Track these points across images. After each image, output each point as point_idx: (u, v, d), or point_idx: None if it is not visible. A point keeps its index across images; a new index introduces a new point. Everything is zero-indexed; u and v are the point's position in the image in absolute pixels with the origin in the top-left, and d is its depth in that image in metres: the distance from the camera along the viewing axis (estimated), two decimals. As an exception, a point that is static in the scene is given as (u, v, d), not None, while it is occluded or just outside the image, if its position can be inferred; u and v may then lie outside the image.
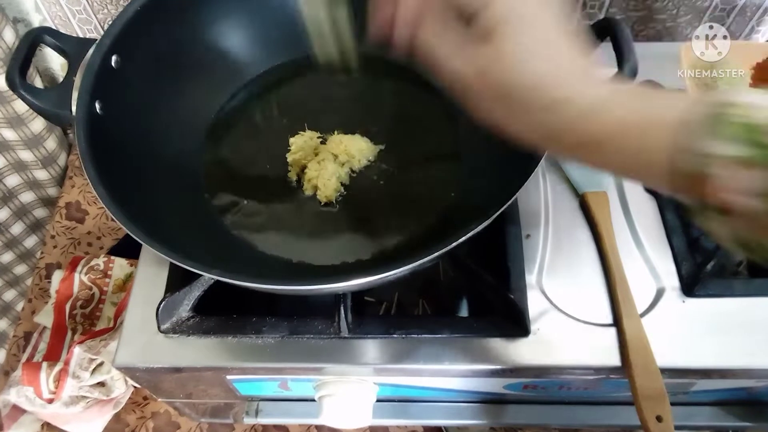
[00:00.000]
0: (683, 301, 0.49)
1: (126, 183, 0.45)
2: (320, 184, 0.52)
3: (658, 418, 0.44)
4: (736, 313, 0.48)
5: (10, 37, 0.66)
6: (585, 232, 0.53)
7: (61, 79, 0.47)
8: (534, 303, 0.49)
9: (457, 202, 0.52)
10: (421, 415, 0.58)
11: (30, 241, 0.87)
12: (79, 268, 0.71)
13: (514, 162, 0.43)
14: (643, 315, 0.48)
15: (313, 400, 0.51)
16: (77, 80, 0.46)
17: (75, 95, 0.45)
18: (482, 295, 0.52)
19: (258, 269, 0.50)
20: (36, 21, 0.72)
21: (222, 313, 0.50)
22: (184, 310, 0.49)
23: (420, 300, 0.55)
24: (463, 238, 0.38)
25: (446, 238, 0.38)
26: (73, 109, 0.45)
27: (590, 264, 0.51)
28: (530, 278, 0.50)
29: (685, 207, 0.28)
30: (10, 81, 0.46)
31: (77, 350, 0.60)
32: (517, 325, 0.47)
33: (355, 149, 0.54)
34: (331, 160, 0.53)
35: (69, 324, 0.68)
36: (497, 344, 0.47)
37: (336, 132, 0.56)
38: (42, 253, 0.80)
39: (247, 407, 0.59)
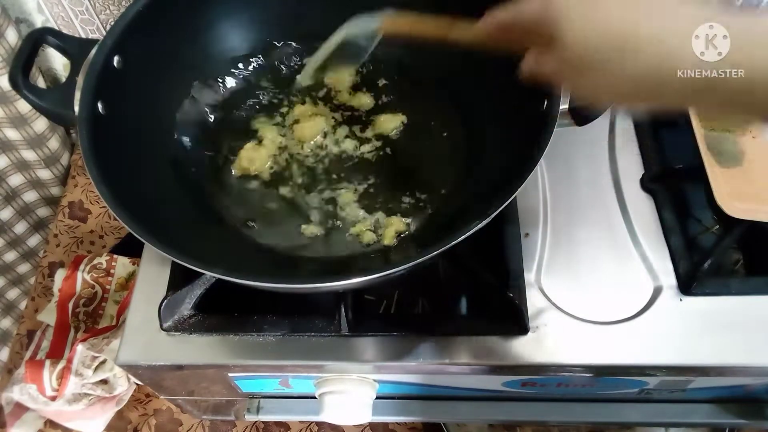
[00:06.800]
0: (680, 300, 0.49)
1: (128, 182, 0.45)
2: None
3: None
4: (732, 311, 0.48)
5: (12, 37, 0.66)
6: (584, 231, 0.53)
7: (63, 79, 0.47)
8: (533, 301, 0.49)
9: (457, 201, 0.52)
10: (421, 413, 0.58)
11: (33, 240, 0.88)
12: (81, 267, 0.71)
13: (513, 161, 0.43)
14: (640, 313, 0.48)
15: (314, 398, 0.51)
16: (80, 80, 0.46)
17: (77, 95, 0.46)
18: (481, 294, 0.53)
19: (259, 267, 0.50)
20: (38, 21, 0.72)
21: (224, 311, 0.50)
22: (186, 308, 0.50)
23: (420, 298, 0.55)
24: (462, 237, 0.38)
25: (445, 236, 0.38)
26: (76, 108, 0.45)
27: (589, 262, 0.52)
28: (529, 277, 0.50)
29: None
30: (12, 81, 0.47)
31: (80, 348, 0.60)
32: (515, 323, 0.48)
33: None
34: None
35: (72, 322, 0.69)
36: (496, 342, 0.47)
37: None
38: (45, 251, 0.80)
39: (248, 404, 0.59)
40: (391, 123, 0.57)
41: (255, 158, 0.55)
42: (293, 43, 0.61)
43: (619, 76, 0.31)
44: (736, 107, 0.30)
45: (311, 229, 0.52)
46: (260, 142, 0.57)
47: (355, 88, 0.60)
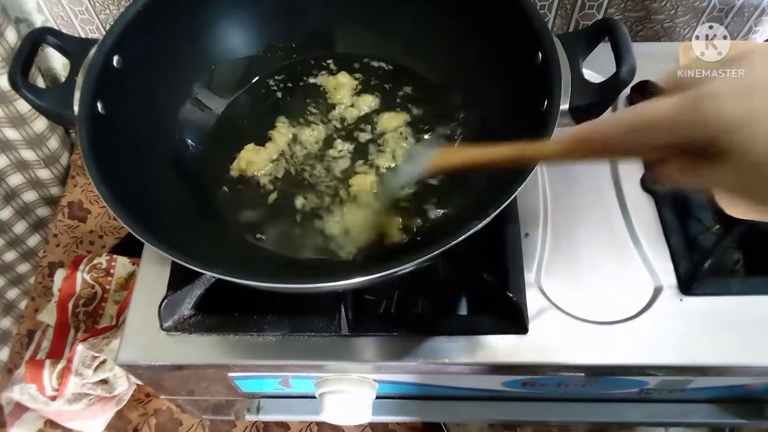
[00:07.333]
0: (681, 300, 0.49)
1: (128, 182, 0.45)
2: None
3: None
4: (733, 311, 0.48)
5: (12, 37, 0.66)
6: (584, 231, 0.53)
7: (63, 79, 0.47)
8: (533, 301, 0.49)
9: (457, 201, 0.52)
10: (421, 412, 0.58)
11: (33, 240, 0.88)
12: (81, 267, 0.71)
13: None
14: (640, 313, 0.48)
15: (314, 398, 0.51)
16: (79, 80, 0.46)
17: (77, 95, 0.46)
18: (481, 294, 0.53)
19: (259, 267, 0.50)
20: (38, 21, 0.72)
21: (223, 311, 0.50)
22: (186, 308, 0.50)
23: (420, 298, 0.55)
24: (462, 237, 0.38)
25: (445, 237, 0.38)
26: (75, 108, 0.45)
27: (589, 262, 0.52)
28: (529, 277, 0.50)
29: None
30: (12, 81, 0.46)
31: (80, 348, 0.60)
32: (515, 323, 0.48)
33: None
34: None
35: (72, 322, 0.69)
36: (496, 342, 0.47)
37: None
38: (44, 251, 0.80)
39: (248, 404, 0.59)
40: (393, 121, 0.57)
41: (254, 160, 0.55)
42: (294, 44, 0.61)
43: None
44: None
45: (310, 231, 0.52)
46: (263, 143, 0.56)
47: (361, 91, 0.60)
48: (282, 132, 0.57)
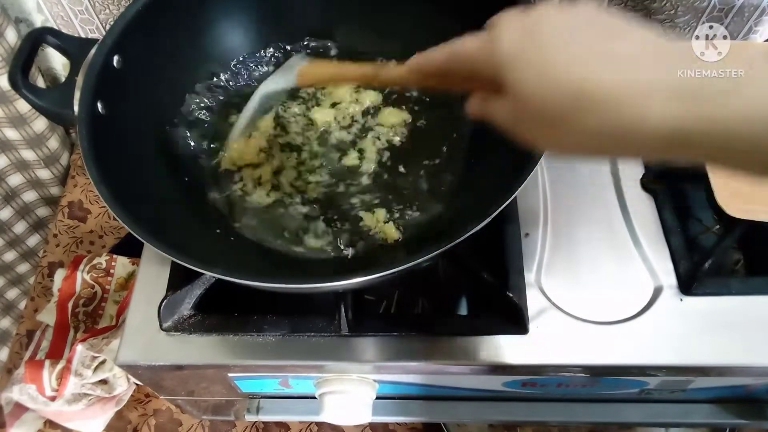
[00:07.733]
0: (681, 300, 0.49)
1: (128, 182, 0.45)
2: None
3: None
4: (733, 311, 0.48)
5: (12, 37, 0.66)
6: (584, 231, 0.53)
7: (63, 79, 0.47)
8: (533, 301, 0.49)
9: (457, 201, 0.52)
10: (421, 413, 0.58)
11: (32, 240, 0.88)
12: (81, 267, 0.71)
13: (513, 161, 0.43)
14: (640, 313, 0.48)
15: (314, 398, 0.51)
16: (79, 80, 0.46)
17: (77, 95, 0.46)
18: (481, 294, 0.53)
19: (259, 267, 0.50)
20: (38, 21, 0.72)
21: (223, 311, 0.50)
22: (186, 309, 0.50)
23: (420, 298, 0.55)
24: (463, 237, 0.38)
25: (446, 236, 0.38)
26: (75, 108, 0.45)
27: (589, 262, 0.52)
28: (529, 277, 0.50)
29: None
30: (12, 81, 0.47)
31: (80, 348, 0.60)
32: (516, 323, 0.48)
33: None
34: None
35: (71, 322, 0.69)
36: (496, 342, 0.47)
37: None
38: (44, 251, 0.80)
39: (248, 404, 0.59)
40: (394, 117, 0.57)
41: (244, 150, 0.55)
42: (293, 44, 0.61)
43: (579, 133, 0.27)
44: (719, 161, 0.26)
45: (309, 232, 0.52)
46: (250, 135, 0.57)
47: (362, 89, 0.60)
48: (267, 119, 0.57)
